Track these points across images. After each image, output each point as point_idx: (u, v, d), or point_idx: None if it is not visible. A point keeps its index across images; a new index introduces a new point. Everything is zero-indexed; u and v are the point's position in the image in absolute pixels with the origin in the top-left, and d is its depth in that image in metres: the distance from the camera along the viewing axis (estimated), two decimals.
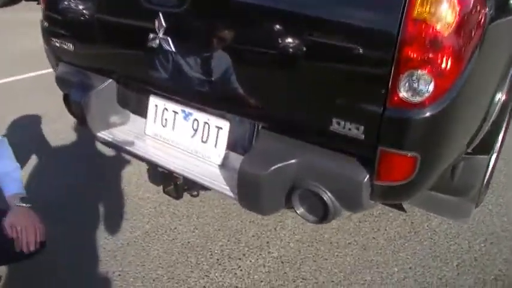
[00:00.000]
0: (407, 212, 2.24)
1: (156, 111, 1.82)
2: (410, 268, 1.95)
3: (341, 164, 1.36)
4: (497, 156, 2.18)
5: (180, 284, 1.88)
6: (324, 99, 1.31)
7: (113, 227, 2.19)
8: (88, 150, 2.85)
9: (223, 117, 1.65)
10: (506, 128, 2.06)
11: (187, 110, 1.73)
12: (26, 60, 4.53)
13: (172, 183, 1.80)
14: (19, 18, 6.58)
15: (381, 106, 1.20)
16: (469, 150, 1.59)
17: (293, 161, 1.42)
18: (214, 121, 1.67)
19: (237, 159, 1.62)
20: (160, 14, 1.55)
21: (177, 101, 1.75)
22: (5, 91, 3.92)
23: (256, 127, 1.60)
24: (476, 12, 1.20)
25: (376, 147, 1.25)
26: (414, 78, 1.16)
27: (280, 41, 1.34)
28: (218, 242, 2.11)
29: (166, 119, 1.80)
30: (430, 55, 1.14)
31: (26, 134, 3.03)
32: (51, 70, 2.24)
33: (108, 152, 2.76)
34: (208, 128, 1.68)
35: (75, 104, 1.93)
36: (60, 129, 3.10)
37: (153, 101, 1.81)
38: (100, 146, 2.77)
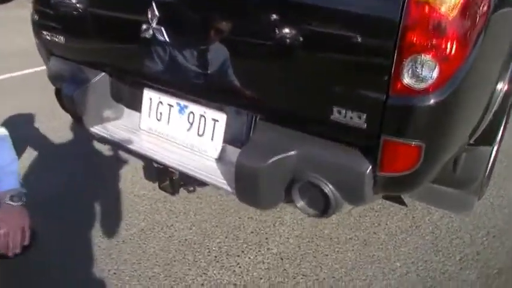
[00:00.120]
0: (408, 206, 2.21)
1: (150, 105, 1.77)
2: (412, 263, 1.92)
3: (342, 155, 1.32)
4: (498, 147, 2.15)
5: (177, 282, 1.83)
6: (325, 88, 1.27)
7: (108, 224, 2.15)
8: (83, 147, 2.79)
9: (219, 109, 1.61)
10: (507, 119, 2.04)
11: (183, 102, 1.68)
12: (20, 57, 4.47)
13: (168, 178, 1.76)
14: (12, 16, 6.51)
15: (383, 93, 1.16)
16: (471, 142, 1.56)
17: (292, 152, 1.38)
18: (211, 114, 1.62)
19: (234, 152, 1.57)
20: (153, 3, 1.50)
21: (172, 94, 1.70)
22: None
23: (253, 119, 1.56)
24: None
25: (379, 136, 1.21)
26: (418, 63, 1.12)
27: (278, 29, 1.30)
28: (216, 239, 2.06)
29: (161, 113, 1.75)
30: (434, 39, 1.10)
31: (20, 132, 2.96)
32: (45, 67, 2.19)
33: (103, 148, 2.71)
34: (205, 120, 1.64)
35: (68, 98, 1.88)
36: (56, 126, 3.05)
37: (148, 95, 1.77)
38: (95, 143, 2.71)
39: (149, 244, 2.03)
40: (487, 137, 1.64)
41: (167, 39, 1.53)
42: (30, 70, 4.16)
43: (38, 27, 1.96)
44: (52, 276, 1.85)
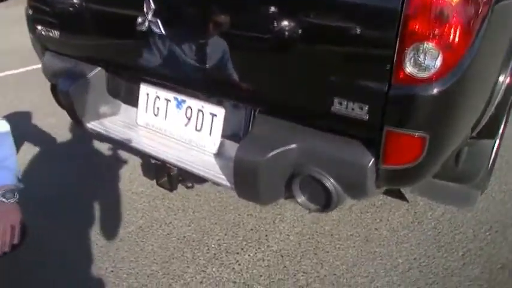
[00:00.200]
0: (409, 202, 2.18)
1: (147, 100, 1.74)
2: (414, 259, 1.89)
3: (344, 148, 1.29)
4: (500, 141, 2.13)
5: (175, 279, 1.80)
6: (325, 78, 1.24)
7: (106, 222, 2.12)
8: (80, 144, 2.77)
9: (217, 103, 1.58)
10: (509, 113, 2.01)
11: (180, 97, 1.65)
12: (17, 55, 4.45)
13: (166, 174, 1.73)
14: (9, 14, 6.47)
15: (385, 83, 1.13)
16: (474, 135, 1.53)
17: (292, 146, 1.35)
18: (209, 108, 1.59)
19: (233, 147, 1.54)
20: None
21: (169, 89, 1.67)
22: None
23: (252, 112, 1.52)
24: None
25: (381, 127, 1.18)
26: (420, 52, 1.09)
27: (277, 20, 1.27)
28: (215, 236, 2.04)
29: (158, 108, 1.72)
30: (437, 26, 1.07)
31: (18, 129, 2.94)
32: None
33: (101, 146, 2.68)
34: (203, 115, 1.61)
35: (63, 94, 1.85)
36: (53, 123, 3.03)
37: (144, 89, 1.74)
38: (93, 140, 2.70)
39: (147, 242, 2.00)
40: (490, 130, 1.61)
41: (163, 32, 1.49)
42: (28, 68, 4.14)
43: (32, 21, 1.93)
44: (49, 274, 1.82)
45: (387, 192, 2.14)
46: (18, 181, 1.46)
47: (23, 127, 3.02)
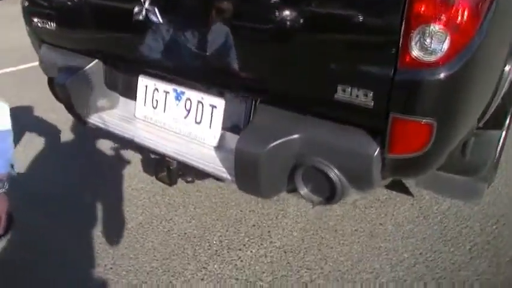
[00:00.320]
0: (415, 196, 2.15)
1: (146, 92, 1.71)
2: (420, 254, 1.85)
3: (348, 137, 1.25)
4: (506, 133, 2.09)
5: (176, 276, 1.77)
6: (328, 65, 1.19)
7: (105, 218, 2.08)
8: (80, 140, 2.75)
9: (217, 95, 1.54)
10: None
11: (179, 89, 1.62)
12: (16, 53, 4.43)
13: (165, 168, 1.69)
14: (7, 11, 6.45)
15: (391, 68, 1.09)
16: (480, 125, 1.49)
17: (295, 136, 1.31)
18: (208, 99, 1.56)
19: (233, 139, 1.50)
20: None
21: (168, 80, 1.64)
22: None
23: (253, 103, 1.49)
24: None
25: (387, 114, 1.14)
26: (427, 34, 1.05)
27: (279, 5, 1.23)
28: (216, 233, 2.00)
29: (157, 100, 1.69)
30: (444, 8, 1.03)
31: (16, 125, 2.92)
32: None
33: (100, 142, 2.66)
34: (202, 107, 1.57)
35: (60, 87, 1.82)
36: (53, 118, 2.99)
37: (143, 82, 1.70)
38: (92, 136, 2.66)
39: (147, 238, 1.97)
40: (497, 121, 1.58)
41: (161, 21, 1.46)
42: (26, 65, 4.13)
43: (29, 14, 1.90)
44: (48, 271, 1.79)
45: (392, 186, 2.10)
46: (11, 168, 1.41)
47: (20, 123, 2.98)
